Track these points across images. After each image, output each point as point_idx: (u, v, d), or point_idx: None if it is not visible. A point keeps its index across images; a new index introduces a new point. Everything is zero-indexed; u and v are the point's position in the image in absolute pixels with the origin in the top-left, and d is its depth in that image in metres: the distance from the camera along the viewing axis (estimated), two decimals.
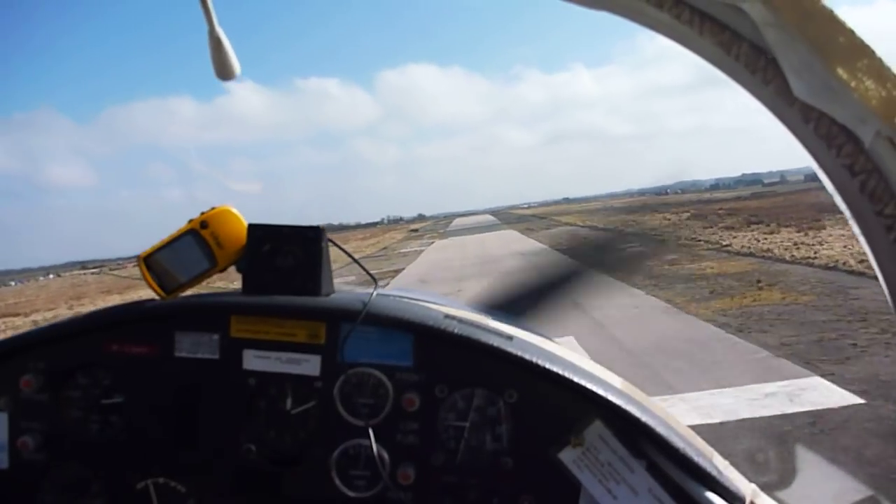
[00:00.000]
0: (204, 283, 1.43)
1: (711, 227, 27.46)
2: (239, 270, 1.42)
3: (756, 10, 0.66)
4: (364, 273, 1.61)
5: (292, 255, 1.39)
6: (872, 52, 0.66)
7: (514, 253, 25.78)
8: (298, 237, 1.40)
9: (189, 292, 1.43)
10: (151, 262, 1.39)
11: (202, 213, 1.40)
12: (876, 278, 0.77)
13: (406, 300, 1.49)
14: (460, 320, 1.37)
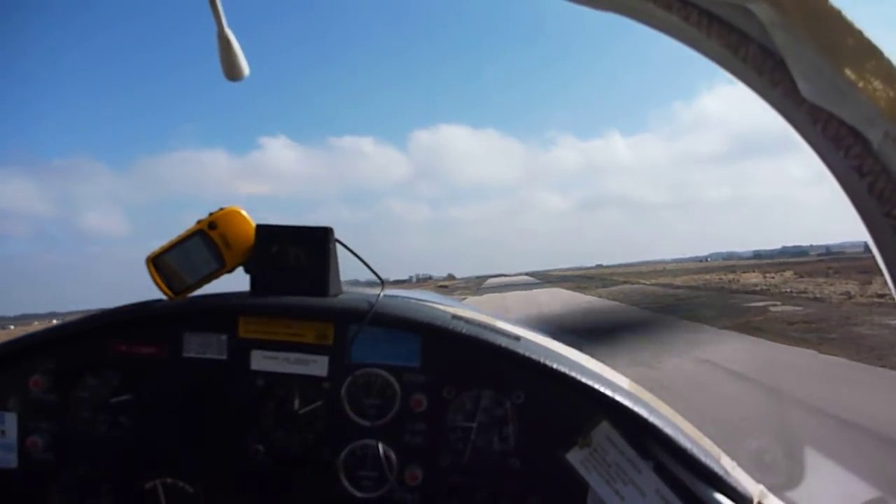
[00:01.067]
0: (212, 284, 1.43)
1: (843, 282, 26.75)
2: (247, 271, 1.42)
3: (764, 11, 0.66)
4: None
5: (300, 255, 1.39)
6: (881, 54, 0.66)
7: (576, 309, 25.03)
8: (306, 238, 1.40)
9: (197, 293, 1.43)
10: (160, 263, 1.39)
11: (210, 214, 1.41)
12: None
13: (414, 301, 1.49)
14: (468, 321, 1.37)
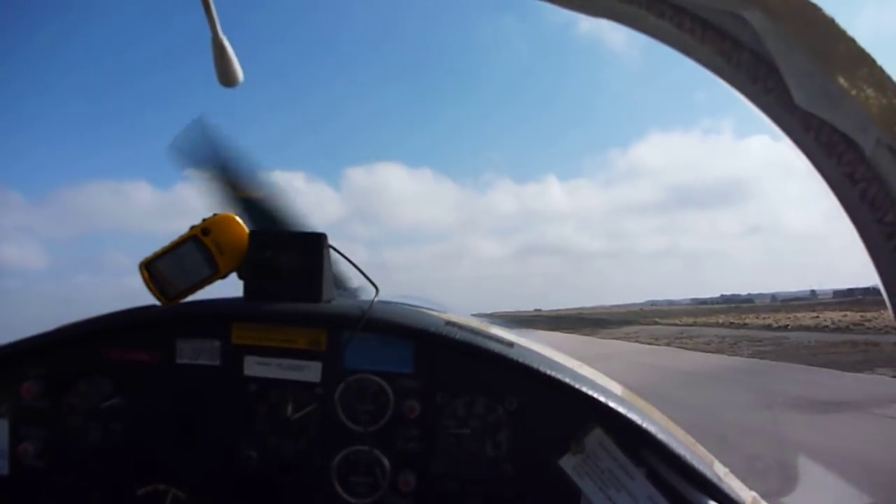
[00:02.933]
0: (205, 290, 1.43)
1: None
2: (240, 277, 1.41)
3: (757, 18, 0.66)
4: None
5: (293, 261, 1.39)
6: (873, 61, 0.66)
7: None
8: (299, 243, 1.40)
9: (190, 299, 1.42)
10: (152, 269, 1.38)
11: (204, 220, 1.40)
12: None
13: (407, 307, 1.49)
14: (461, 327, 1.36)
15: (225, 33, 1.21)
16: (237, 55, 1.22)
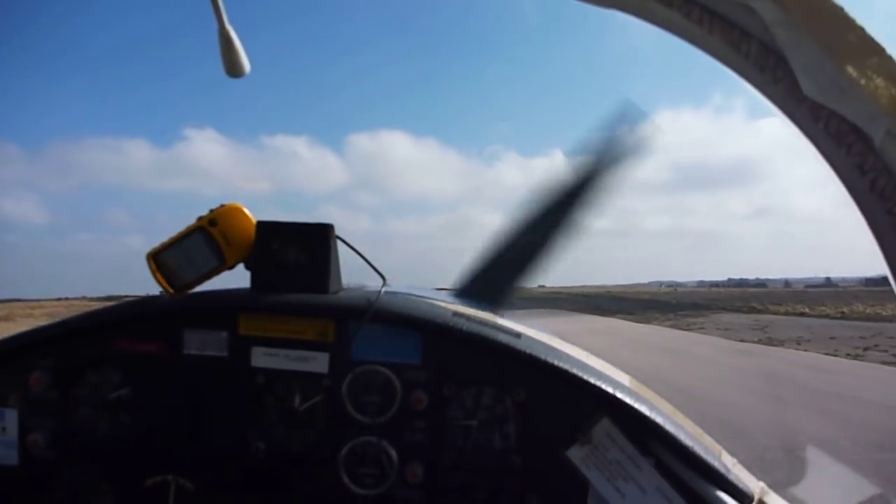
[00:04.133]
0: (212, 281, 1.43)
1: None
2: (247, 268, 1.42)
3: (766, 8, 0.66)
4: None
5: (301, 252, 1.39)
6: (883, 51, 0.66)
7: None
8: (307, 234, 1.40)
9: (197, 290, 1.43)
10: (160, 260, 1.39)
11: (211, 211, 1.40)
12: None
13: (415, 298, 1.49)
14: (469, 318, 1.37)
15: (231, 21, 1.21)
16: (244, 45, 1.22)
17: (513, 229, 1.71)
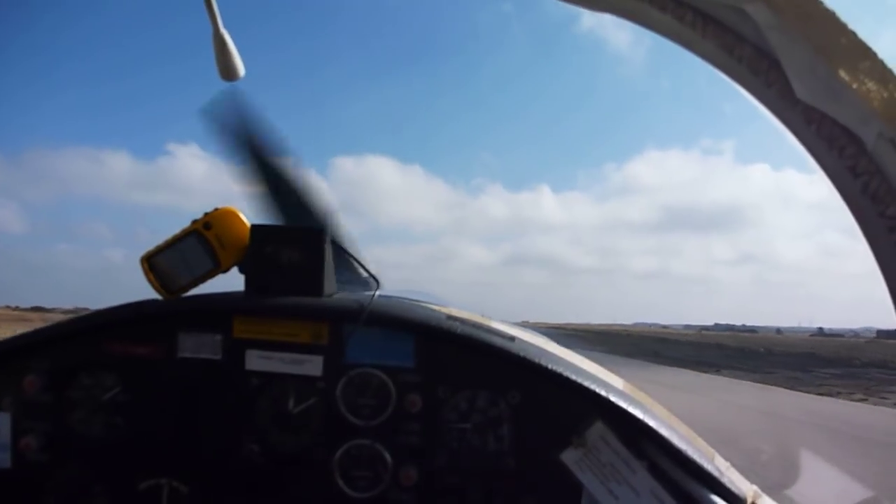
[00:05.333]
0: (207, 284, 1.43)
1: None
2: (242, 271, 1.42)
3: (759, 12, 0.66)
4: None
5: (295, 255, 1.39)
6: (874, 55, 0.66)
7: None
8: (301, 238, 1.40)
9: (191, 293, 1.42)
10: (154, 263, 1.39)
11: (206, 214, 1.40)
12: None
13: (408, 301, 1.49)
14: (462, 321, 1.37)
15: (226, 27, 1.21)
16: (239, 50, 1.22)
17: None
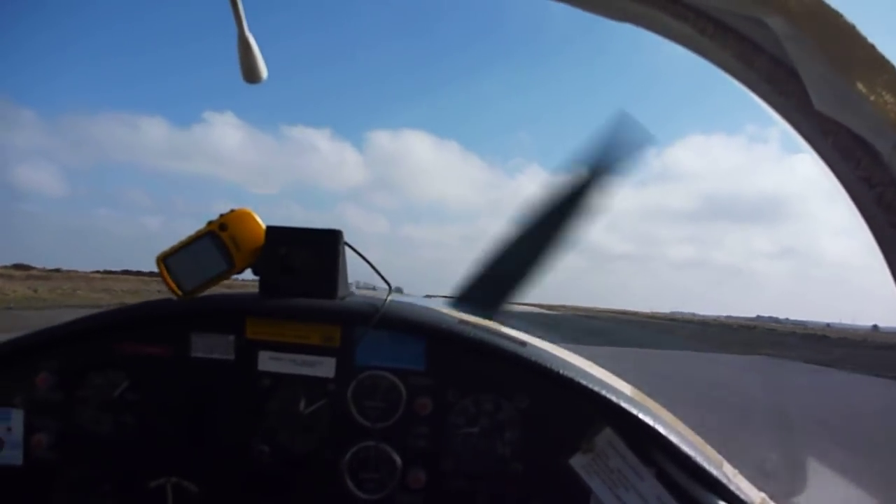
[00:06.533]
0: (221, 285, 1.44)
1: None
2: (255, 273, 1.43)
3: (778, 23, 0.67)
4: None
5: (309, 257, 1.40)
6: (892, 67, 0.67)
7: None
8: (315, 240, 1.41)
9: (205, 293, 1.44)
10: (169, 263, 1.40)
11: (221, 216, 1.41)
12: None
13: (420, 305, 1.49)
14: (473, 325, 1.37)
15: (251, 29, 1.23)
16: (262, 51, 1.24)
17: (510, 240, 1.72)
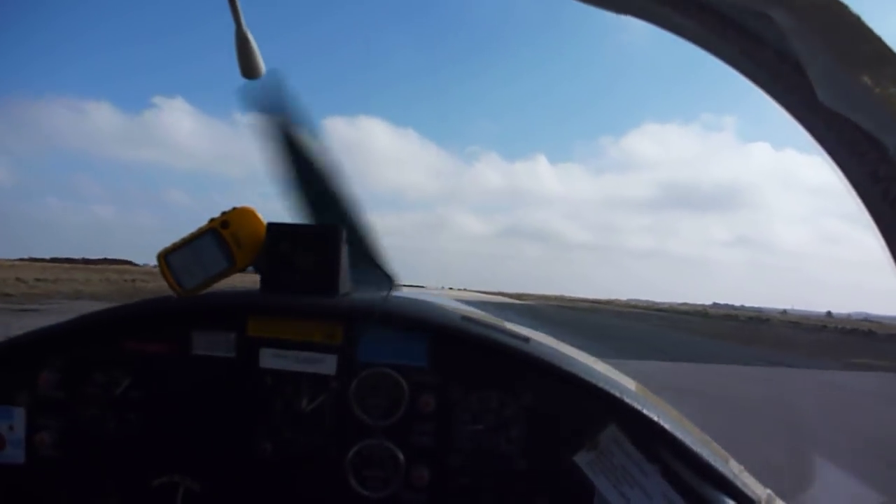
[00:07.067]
0: (222, 282, 1.44)
1: None
2: (257, 270, 1.43)
3: (782, 16, 0.66)
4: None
5: (310, 254, 1.40)
6: None
7: None
8: (316, 236, 1.41)
9: (206, 291, 1.44)
10: (171, 260, 1.40)
11: (223, 213, 1.42)
12: None
13: (422, 301, 1.49)
14: (476, 322, 1.37)
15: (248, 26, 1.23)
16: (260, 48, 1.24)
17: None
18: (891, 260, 0.75)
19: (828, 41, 0.65)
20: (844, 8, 0.65)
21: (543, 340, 1.43)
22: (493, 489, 1.31)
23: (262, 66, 1.26)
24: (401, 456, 1.32)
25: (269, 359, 1.36)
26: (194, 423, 1.36)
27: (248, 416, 1.35)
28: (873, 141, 0.70)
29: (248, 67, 1.25)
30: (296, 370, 1.36)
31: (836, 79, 0.66)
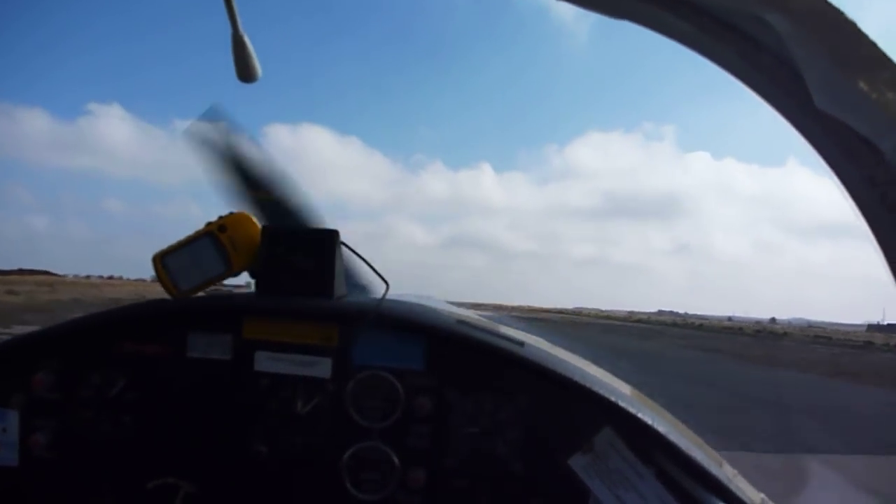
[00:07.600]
0: (218, 284, 1.44)
1: None
2: (252, 273, 1.43)
3: (779, 21, 0.66)
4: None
5: (306, 257, 1.40)
6: (894, 65, 0.66)
7: None
8: (312, 240, 1.41)
9: (202, 293, 1.44)
10: (167, 263, 1.40)
11: (220, 217, 1.42)
12: None
13: (418, 305, 1.49)
14: (472, 325, 1.37)
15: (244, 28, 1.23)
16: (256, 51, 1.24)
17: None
18: (887, 264, 0.76)
19: (824, 46, 0.65)
20: (841, 13, 0.66)
21: (538, 344, 1.44)
22: (488, 492, 1.31)
23: (259, 69, 1.26)
24: (396, 458, 1.32)
25: (265, 361, 1.36)
26: (190, 425, 1.35)
27: (243, 418, 1.35)
28: (870, 145, 0.70)
29: (244, 70, 1.25)
30: (292, 373, 1.35)
31: (833, 83, 0.67)
